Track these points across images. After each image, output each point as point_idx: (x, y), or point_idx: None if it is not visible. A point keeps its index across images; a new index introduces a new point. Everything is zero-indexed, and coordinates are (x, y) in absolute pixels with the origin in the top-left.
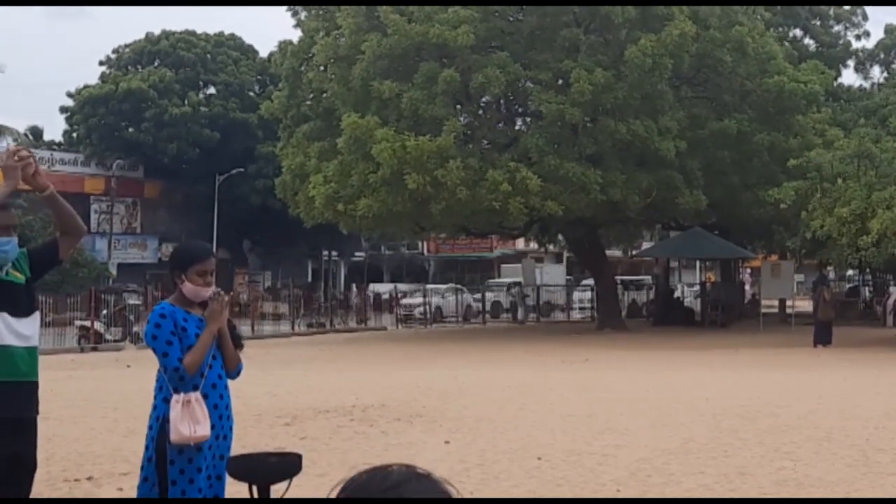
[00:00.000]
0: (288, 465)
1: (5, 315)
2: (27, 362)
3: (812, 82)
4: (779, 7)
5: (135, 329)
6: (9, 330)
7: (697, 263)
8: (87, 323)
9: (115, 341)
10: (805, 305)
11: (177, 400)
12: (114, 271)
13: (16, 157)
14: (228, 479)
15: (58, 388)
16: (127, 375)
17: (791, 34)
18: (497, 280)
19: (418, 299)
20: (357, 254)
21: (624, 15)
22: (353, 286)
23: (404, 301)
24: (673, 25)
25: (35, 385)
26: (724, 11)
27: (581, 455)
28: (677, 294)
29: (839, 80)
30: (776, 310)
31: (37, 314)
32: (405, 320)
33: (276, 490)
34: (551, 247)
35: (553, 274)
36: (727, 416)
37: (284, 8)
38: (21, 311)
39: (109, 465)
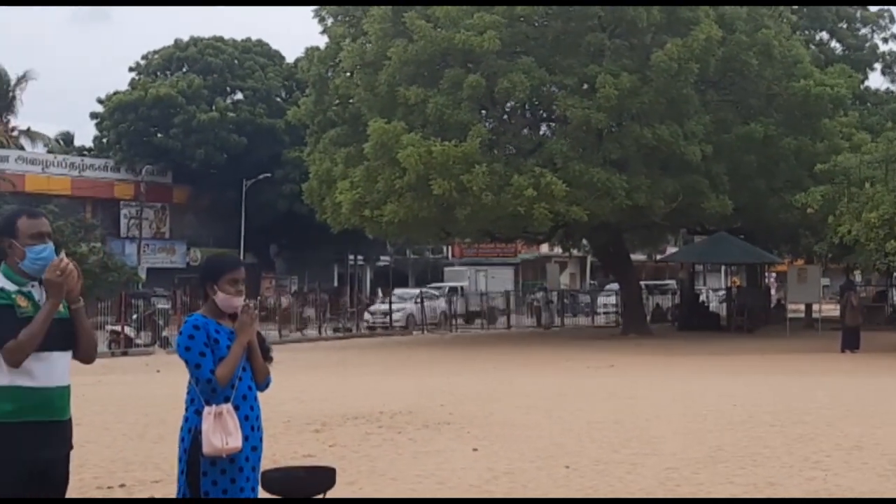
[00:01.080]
0: (322, 479)
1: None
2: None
3: (839, 86)
4: (805, 10)
5: (164, 333)
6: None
7: (722, 268)
8: (118, 327)
9: (145, 346)
10: (832, 310)
11: (208, 412)
12: (143, 276)
13: (58, 272)
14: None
15: (89, 392)
16: (157, 380)
17: (817, 37)
18: (437, 284)
19: (386, 306)
20: (383, 258)
21: (649, 19)
22: (379, 290)
23: (373, 308)
24: (699, 29)
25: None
26: (750, 15)
27: (609, 464)
28: (702, 299)
29: (866, 83)
30: (802, 315)
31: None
32: (373, 329)
33: None
34: (575, 251)
35: (500, 279)
36: (755, 423)
37: (311, 14)
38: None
39: (141, 472)
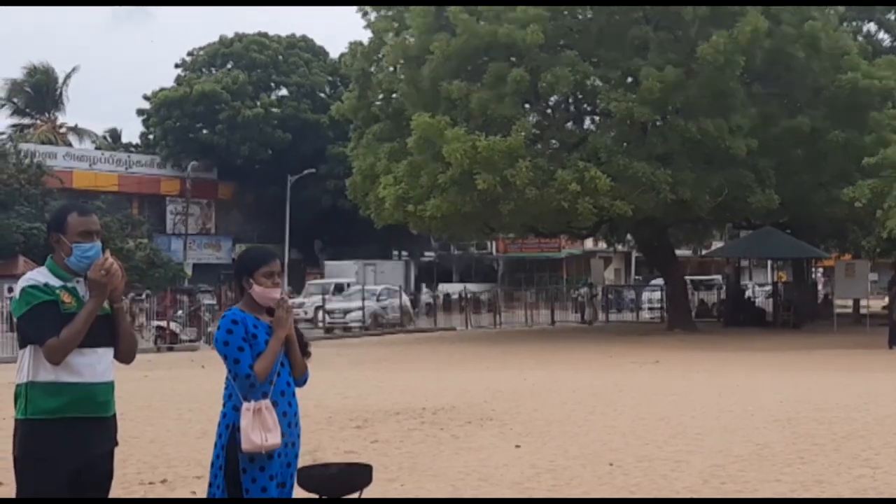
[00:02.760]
0: (357, 476)
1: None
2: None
3: (887, 78)
4: None
5: (209, 329)
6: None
7: (768, 263)
8: (163, 323)
9: (190, 341)
10: (880, 306)
11: (247, 408)
12: (189, 271)
13: (102, 271)
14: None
15: (133, 388)
16: (201, 376)
17: (865, 28)
18: (318, 281)
19: (350, 304)
20: (427, 254)
21: (695, 12)
22: (423, 286)
23: (330, 306)
24: (745, 21)
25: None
26: (796, 7)
27: (653, 461)
28: (748, 294)
29: None
30: (850, 310)
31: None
32: (331, 330)
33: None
34: (620, 246)
35: (389, 274)
36: (802, 420)
37: (355, 9)
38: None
39: (184, 468)
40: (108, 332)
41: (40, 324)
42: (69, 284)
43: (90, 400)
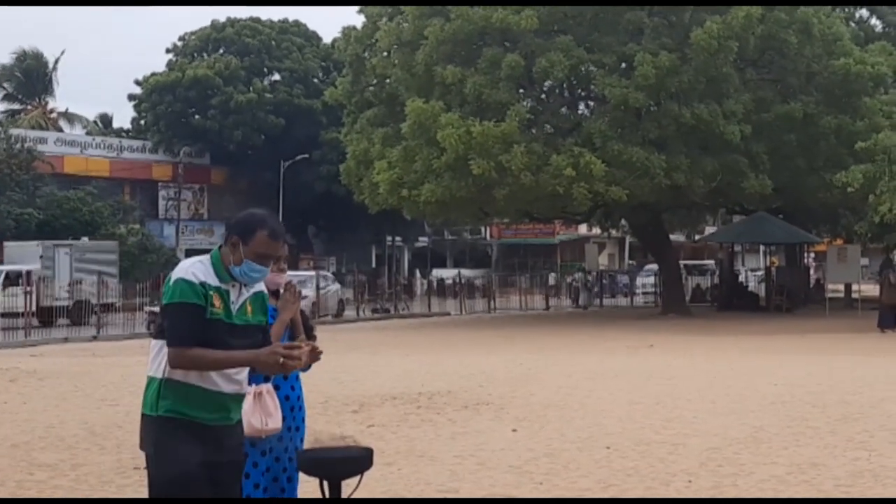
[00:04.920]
0: (359, 459)
1: None
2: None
3: (879, 64)
4: None
5: None
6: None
7: (761, 248)
8: (157, 308)
9: None
10: (871, 290)
11: (248, 392)
12: (182, 257)
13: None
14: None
15: (128, 374)
16: None
17: (857, 14)
18: None
19: None
20: (420, 239)
21: None
22: (417, 272)
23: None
24: (739, 7)
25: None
26: None
27: (650, 444)
28: (741, 279)
29: None
30: (842, 295)
31: None
32: None
33: (348, 484)
34: (614, 231)
35: (96, 257)
36: (797, 403)
37: None
38: None
39: None
40: (251, 343)
41: (180, 326)
42: (224, 287)
43: (219, 408)
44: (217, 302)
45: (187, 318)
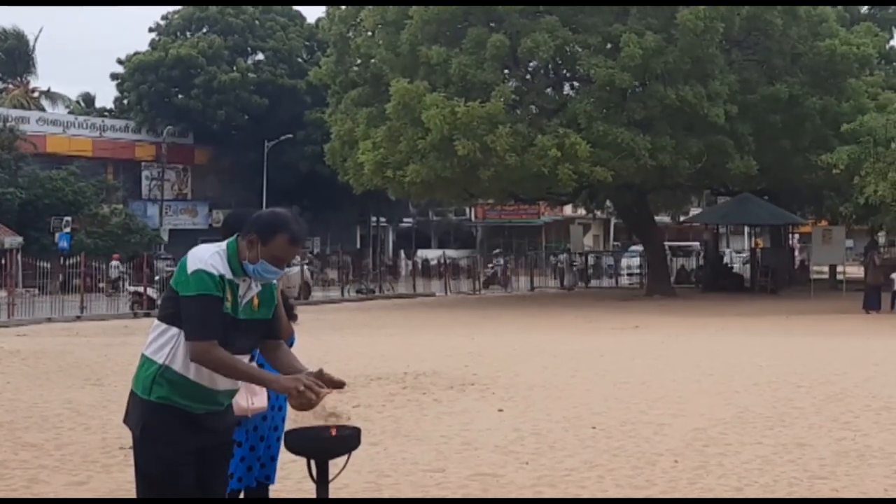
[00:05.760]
0: (347, 439)
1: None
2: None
3: (865, 45)
4: None
5: None
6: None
7: (746, 229)
8: (140, 289)
9: None
10: (856, 272)
11: None
12: (165, 237)
13: (298, 395)
14: (287, 454)
15: (112, 353)
16: None
17: None
18: None
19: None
20: (405, 220)
21: None
22: (402, 252)
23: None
24: None
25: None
26: None
27: (636, 424)
28: (726, 260)
29: (892, 42)
30: (826, 276)
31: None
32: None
33: (335, 464)
34: (599, 213)
35: None
36: (782, 384)
37: None
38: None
39: None
40: (251, 339)
41: (204, 319)
42: (235, 280)
43: (210, 402)
44: (228, 296)
45: (210, 312)
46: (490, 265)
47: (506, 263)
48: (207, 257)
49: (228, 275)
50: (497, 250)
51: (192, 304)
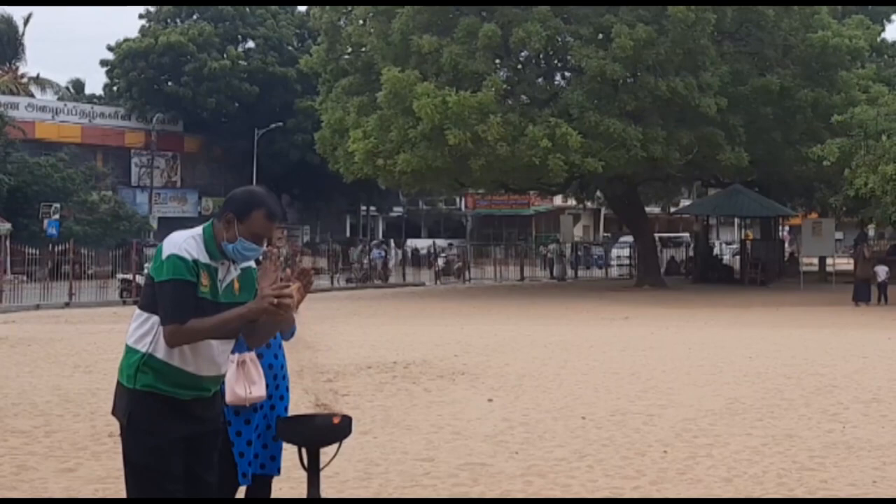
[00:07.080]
0: (338, 427)
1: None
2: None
3: (856, 38)
4: None
5: None
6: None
7: (736, 221)
8: (129, 276)
9: None
10: (845, 264)
11: (231, 360)
12: (155, 225)
13: (273, 299)
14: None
15: (101, 340)
16: None
17: None
18: None
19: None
20: (395, 209)
21: None
22: (392, 242)
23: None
24: None
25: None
26: None
27: (626, 415)
28: (716, 252)
29: (884, 35)
30: (816, 268)
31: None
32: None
33: (326, 451)
34: (589, 203)
35: None
36: (771, 375)
37: None
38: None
39: None
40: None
41: (175, 303)
42: (213, 264)
43: (196, 388)
44: (205, 280)
45: (182, 296)
46: (443, 254)
47: (459, 254)
48: (181, 242)
49: (204, 259)
50: (449, 242)
51: (165, 289)
